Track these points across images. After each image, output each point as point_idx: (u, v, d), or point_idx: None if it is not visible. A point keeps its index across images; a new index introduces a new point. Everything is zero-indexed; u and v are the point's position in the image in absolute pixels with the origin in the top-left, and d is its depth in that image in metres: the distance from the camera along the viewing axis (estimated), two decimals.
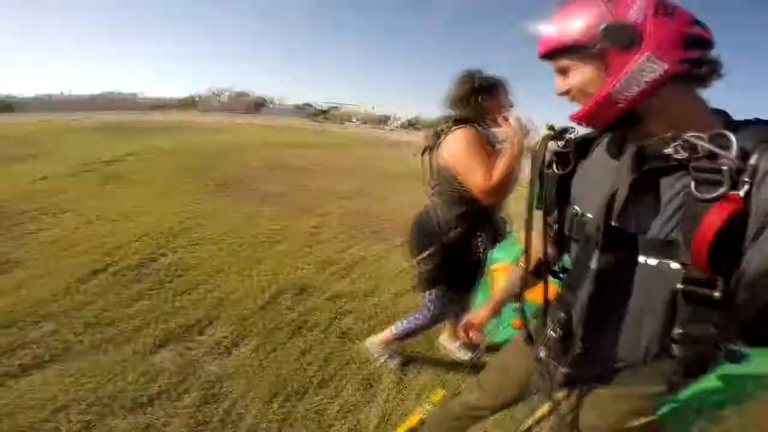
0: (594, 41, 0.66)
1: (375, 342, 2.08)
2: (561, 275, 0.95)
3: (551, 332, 0.84)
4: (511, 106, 1.66)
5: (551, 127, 0.89)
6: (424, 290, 1.81)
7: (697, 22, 0.66)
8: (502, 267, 3.06)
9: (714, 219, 0.58)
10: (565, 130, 0.88)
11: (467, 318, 1.20)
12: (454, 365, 2.14)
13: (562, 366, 0.85)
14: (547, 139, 0.88)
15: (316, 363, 2.04)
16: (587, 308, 0.79)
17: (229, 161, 7.64)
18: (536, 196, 0.91)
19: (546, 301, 0.93)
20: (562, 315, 0.82)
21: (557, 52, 0.73)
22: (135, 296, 2.53)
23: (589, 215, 0.79)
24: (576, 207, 0.84)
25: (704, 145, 0.61)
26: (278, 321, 2.37)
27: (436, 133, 1.64)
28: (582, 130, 0.85)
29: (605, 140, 0.84)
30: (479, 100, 1.58)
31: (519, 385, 1.07)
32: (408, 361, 2.11)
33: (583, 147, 0.86)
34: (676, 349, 0.70)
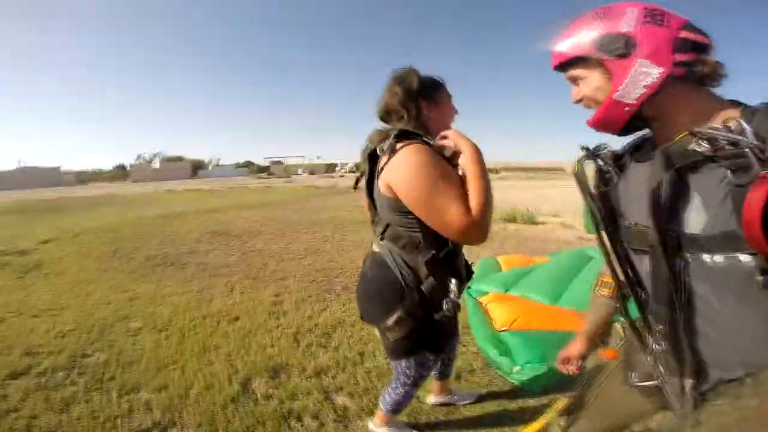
0: (593, 52, 0.74)
1: (377, 424, 1.76)
2: (639, 291, 0.88)
3: (655, 345, 0.82)
4: (456, 113, 1.39)
5: (585, 147, 0.90)
6: (399, 360, 1.42)
7: (689, 28, 0.70)
8: (495, 298, 2.91)
9: (754, 200, 0.58)
10: (599, 148, 0.89)
11: (563, 353, 1.17)
12: (470, 421, 1.91)
13: (684, 378, 0.79)
14: (582, 159, 0.89)
15: None
16: (680, 313, 0.76)
17: (167, 235, 7.02)
18: (589, 218, 0.89)
19: (632, 321, 0.90)
20: (659, 326, 0.80)
21: (565, 64, 0.80)
22: (70, 399, 2.09)
23: (643, 224, 0.78)
24: (628, 220, 0.84)
25: (721, 134, 0.64)
26: (257, 413, 1.95)
27: (373, 155, 1.25)
28: (616, 146, 0.89)
29: (637, 150, 0.87)
30: (420, 106, 1.28)
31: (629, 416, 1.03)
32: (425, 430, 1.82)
33: (619, 161, 0.88)
34: None
